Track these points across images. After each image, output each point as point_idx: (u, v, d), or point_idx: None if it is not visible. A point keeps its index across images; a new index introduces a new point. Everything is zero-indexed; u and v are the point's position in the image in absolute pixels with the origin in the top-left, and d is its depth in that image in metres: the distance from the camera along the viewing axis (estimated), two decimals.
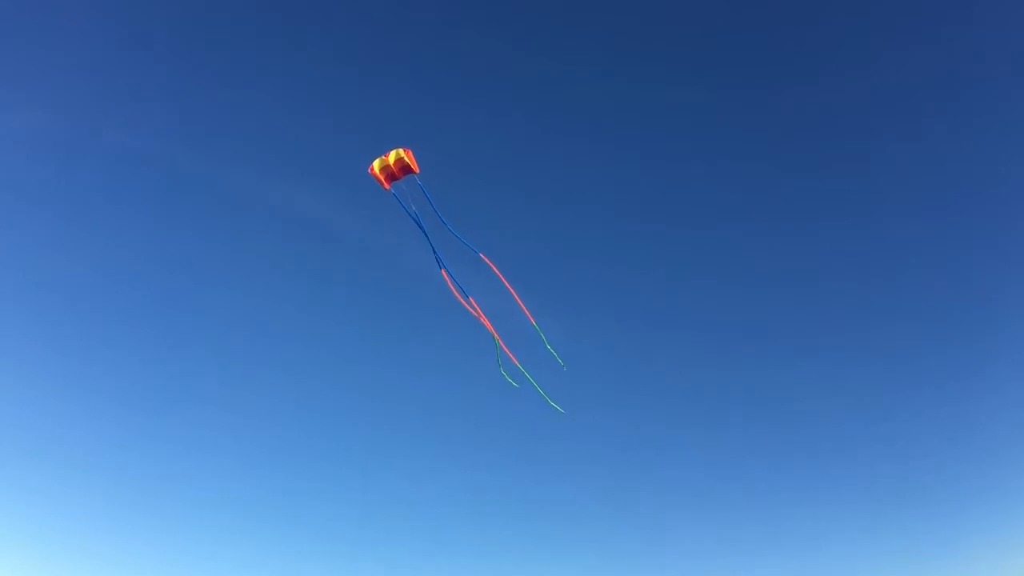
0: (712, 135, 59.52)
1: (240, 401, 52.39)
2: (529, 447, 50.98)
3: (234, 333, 55.01)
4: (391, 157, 18.92)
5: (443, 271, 19.64)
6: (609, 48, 59.32)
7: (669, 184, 60.37)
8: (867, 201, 56.99)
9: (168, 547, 43.84)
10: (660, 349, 57.36)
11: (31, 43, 50.46)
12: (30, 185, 51.51)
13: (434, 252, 19.65)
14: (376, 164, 18.92)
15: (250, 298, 55.74)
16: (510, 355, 20.05)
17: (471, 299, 19.78)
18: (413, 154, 18.97)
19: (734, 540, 45.35)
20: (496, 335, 19.93)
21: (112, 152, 52.63)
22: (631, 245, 59.99)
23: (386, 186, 19.09)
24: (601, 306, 58.74)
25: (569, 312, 56.69)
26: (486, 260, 19.81)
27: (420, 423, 52.32)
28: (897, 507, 45.39)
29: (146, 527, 44.75)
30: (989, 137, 51.76)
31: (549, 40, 59.55)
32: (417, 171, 19.06)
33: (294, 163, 57.82)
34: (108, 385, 50.89)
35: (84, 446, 47.29)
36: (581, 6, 58.47)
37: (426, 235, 19.42)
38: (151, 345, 52.97)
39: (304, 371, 54.73)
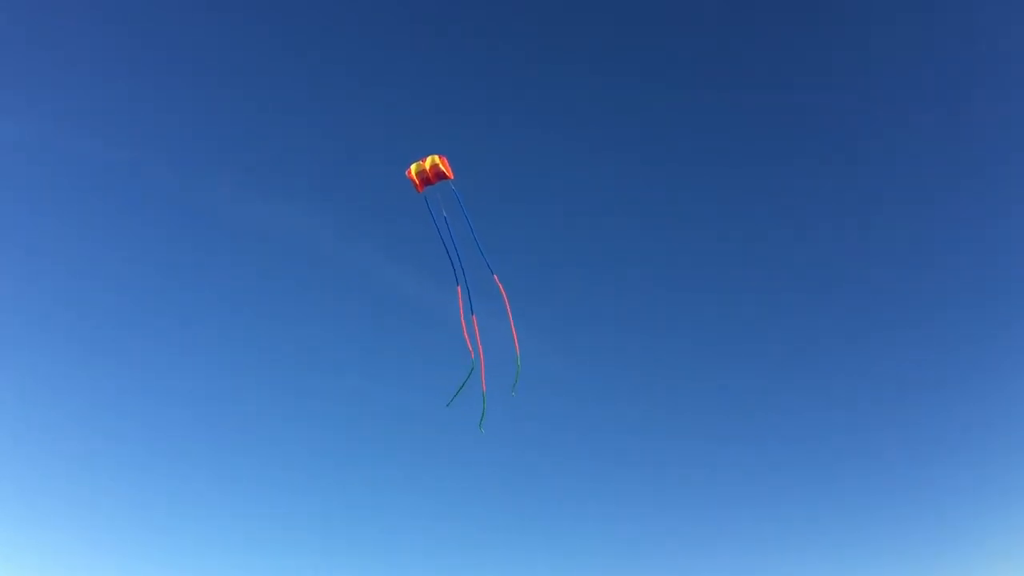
0: (710, 138, 59.90)
1: (236, 407, 52.18)
2: (526, 449, 51.22)
3: (233, 340, 54.71)
4: (427, 162, 19.43)
5: (458, 287, 19.92)
6: (605, 49, 59.51)
7: (661, 187, 60.60)
8: (867, 202, 57.33)
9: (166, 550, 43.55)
10: (662, 351, 57.49)
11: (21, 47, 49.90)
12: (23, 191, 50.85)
13: (453, 265, 19.91)
14: (413, 168, 19.47)
15: (249, 308, 55.58)
16: (482, 378, 19.93)
17: (473, 318, 19.91)
18: (448, 161, 19.61)
19: (734, 544, 45.80)
20: (482, 358, 19.94)
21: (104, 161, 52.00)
22: (628, 249, 60.07)
23: (420, 189, 19.63)
24: (596, 310, 58.92)
25: (564, 315, 57.19)
26: (498, 283, 20.01)
27: (414, 427, 52.29)
28: (899, 511, 45.88)
29: (145, 529, 44.69)
30: (992, 137, 52.08)
31: (544, 41, 59.68)
32: (451, 177, 19.62)
33: (282, 175, 57.56)
34: (102, 389, 50.49)
35: (79, 451, 46.70)
36: (575, 7, 58.93)
37: (453, 244, 19.73)
38: (149, 351, 52.66)
39: (303, 377, 54.60)
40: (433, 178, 19.57)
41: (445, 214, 19.77)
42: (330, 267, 56.43)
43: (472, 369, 19.58)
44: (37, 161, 50.42)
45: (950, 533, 43.63)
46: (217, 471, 49.22)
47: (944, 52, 52.99)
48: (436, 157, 19.54)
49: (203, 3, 54.90)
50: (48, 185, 52.04)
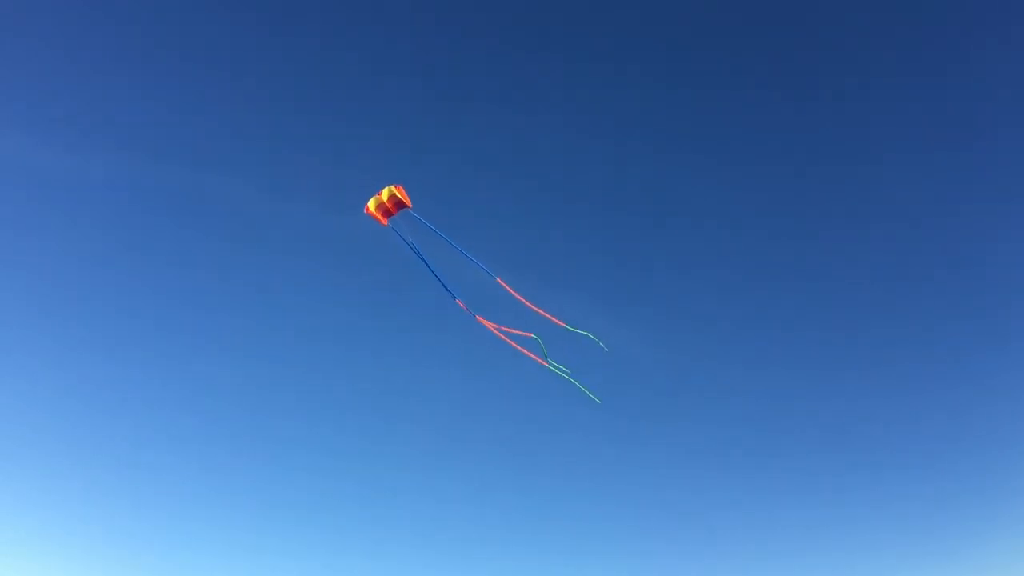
0: (719, 136, 60.23)
1: (239, 406, 53.06)
2: (540, 447, 52.04)
3: (240, 338, 55.16)
4: (384, 194, 19.82)
5: (458, 301, 20.46)
6: (617, 47, 59.49)
7: (678, 185, 60.86)
8: (884, 201, 57.18)
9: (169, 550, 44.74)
10: (667, 351, 57.52)
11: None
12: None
13: (441, 282, 20.32)
14: (371, 203, 19.93)
15: (257, 303, 56.29)
16: (543, 358, 20.83)
17: (479, 318, 20.53)
18: (404, 189, 20.11)
19: (733, 544, 46.35)
20: (534, 336, 20.64)
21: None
22: (648, 245, 60.61)
23: (384, 222, 20.18)
24: (609, 308, 58.53)
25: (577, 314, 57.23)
26: (503, 284, 20.41)
27: (431, 422, 53.27)
28: (902, 510, 46.47)
29: (146, 529, 45.54)
30: (992, 137, 52.56)
31: (552, 38, 59.65)
32: (410, 206, 19.93)
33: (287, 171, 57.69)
34: (111, 388, 51.41)
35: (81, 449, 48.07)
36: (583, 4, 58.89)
37: (428, 267, 20.13)
38: (152, 350, 53.35)
39: (316, 374, 55.56)
40: (393, 209, 20.05)
41: (411, 240, 20.29)
42: (335, 266, 57.13)
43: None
44: (38, 167, 50.87)
45: (951, 533, 44.29)
46: (220, 471, 50.04)
47: (947, 53, 53.26)
48: (392, 187, 20.03)
49: (204, 3, 55.61)
50: (58, 188, 52.71)
